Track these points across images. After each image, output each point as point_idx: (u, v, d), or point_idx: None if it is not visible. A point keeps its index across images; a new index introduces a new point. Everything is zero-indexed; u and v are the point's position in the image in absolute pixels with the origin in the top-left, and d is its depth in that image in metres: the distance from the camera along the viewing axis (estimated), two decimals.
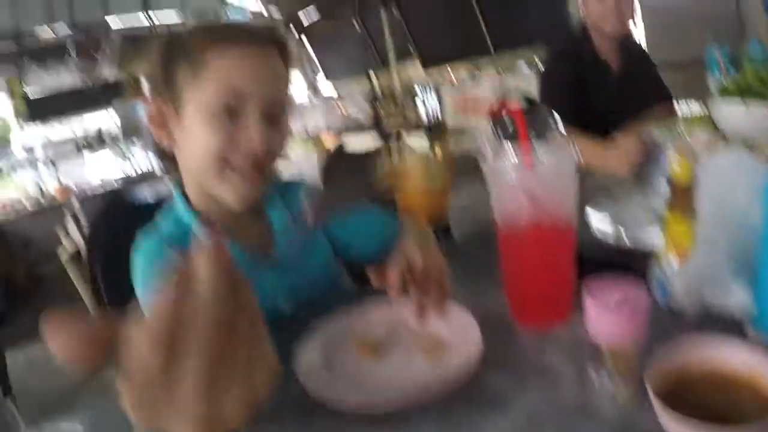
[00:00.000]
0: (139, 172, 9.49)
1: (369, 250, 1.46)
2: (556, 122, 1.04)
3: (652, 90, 2.97)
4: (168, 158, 1.34)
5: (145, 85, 1.32)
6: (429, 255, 1.19)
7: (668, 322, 0.99)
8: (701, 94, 2.47)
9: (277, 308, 1.39)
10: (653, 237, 1.22)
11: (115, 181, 9.56)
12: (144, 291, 1.23)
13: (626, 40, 2.88)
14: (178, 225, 1.31)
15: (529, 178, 0.98)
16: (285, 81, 1.30)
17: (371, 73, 11.39)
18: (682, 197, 0.92)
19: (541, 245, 1.03)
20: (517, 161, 1.00)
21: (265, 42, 1.25)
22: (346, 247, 1.54)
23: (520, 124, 1.00)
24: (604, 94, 2.78)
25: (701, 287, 0.97)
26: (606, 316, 0.79)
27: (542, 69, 3.05)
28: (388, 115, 11.12)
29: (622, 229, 1.37)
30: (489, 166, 1.01)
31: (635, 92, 2.85)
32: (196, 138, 1.21)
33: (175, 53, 1.22)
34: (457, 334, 1.09)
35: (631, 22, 2.75)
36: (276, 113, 1.25)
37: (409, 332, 1.15)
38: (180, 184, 1.35)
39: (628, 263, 1.08)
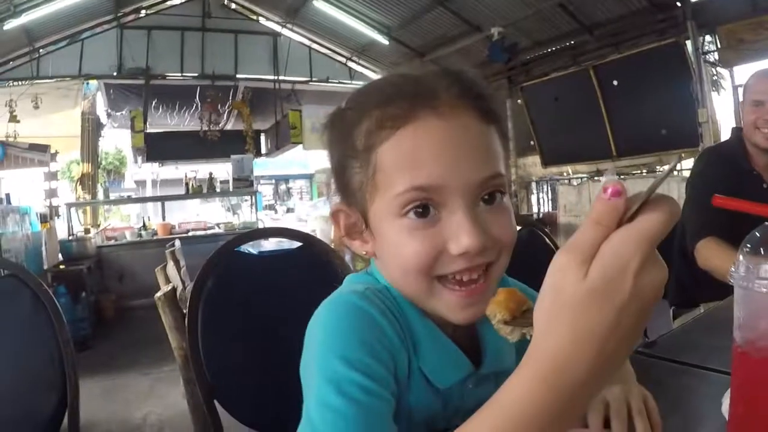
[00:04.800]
0: (242, 224, 9.54)
1: None
2: None
3: None
4: None
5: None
6: (631, 389, 0.97)
7: None
8: None
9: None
10: None
11: (218, 226, 9.69)
12: (332, 348, 0.84)
13: None
14: (381, 292, 0.95)
15: None
16: (493, 148, 0.90)
17: None
18: None
19: None
20: None
21: (454, 103, 0.87)
22: None
23: None
24: None
25: None
26: None
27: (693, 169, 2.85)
28: None
29: None
30: (743, 278, 0.79)
31: None
32: (389, 251, 0.91)
33: (342, 150, 0.94)
34: None
35: None
36: (492, 192, 0.88)
37: None
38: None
39: None
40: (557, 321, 0.54)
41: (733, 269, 0.80)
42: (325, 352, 0.83)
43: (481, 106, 0.89)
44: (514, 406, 0.56)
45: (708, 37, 7.59)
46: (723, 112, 7.79)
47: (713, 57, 7.62)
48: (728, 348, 0.83)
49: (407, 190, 0.84)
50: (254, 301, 1.57)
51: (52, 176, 8.93)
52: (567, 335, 0.54)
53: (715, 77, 8.10)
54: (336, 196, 0.98)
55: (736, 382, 0.85)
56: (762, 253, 0.79)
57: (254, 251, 1.69)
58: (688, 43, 7.47)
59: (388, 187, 0.86)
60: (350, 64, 12.65)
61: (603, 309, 0.52)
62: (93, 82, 10.29)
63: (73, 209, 8.84)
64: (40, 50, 9.83)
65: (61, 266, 6.97)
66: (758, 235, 0.82)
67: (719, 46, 7.42)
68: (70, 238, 8.04)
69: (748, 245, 0.81)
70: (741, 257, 0.81)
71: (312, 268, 1.07)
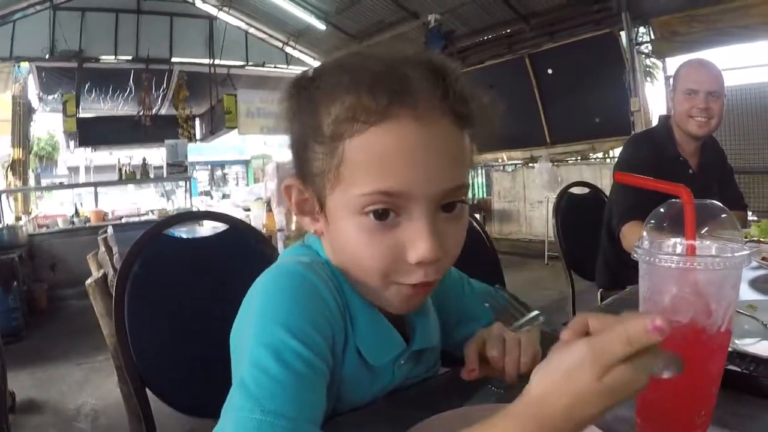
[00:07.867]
0: (177, 209, 9.41)
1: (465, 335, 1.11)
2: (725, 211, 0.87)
3: (727, 195, 2.85)
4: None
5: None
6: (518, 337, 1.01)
7: None
8: None
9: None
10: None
11: (151, 212, 9.56)
12: (273, 315, 0.82)
13: (708, 141, 2.82)
14: (323, 266, 0.94)
15: (696, 270, 0.78)
16: (463, 156, 0.87)
17: None
18: None
19: (700, 349, 0.81)
20: (680, 250, 0.81)
21: (433, 104, 0.82)
22: (447, 334, 1.18)
23: (688, 209, 0.80)
24: None
25: None
26: None
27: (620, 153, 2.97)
28: None
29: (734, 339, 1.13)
30: (646, 252, 0.81)
31: (710, 195, 2.71)
32: (344, 244, 0.89)
33: (306, 128, 0.88)
34: None
35: (714, 123, 2.66)
36: (452, 201, 0.87)
37: None
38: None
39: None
40: (557, 396, 0.62)
41: (637, 244, 0.82)
42: (265, 319, 0.82)
43: (459, 111, 0.84)
44: None
45: (642, 29, 7.76)
46: (655, 102, 8.03)
47: (647, 48, 7.80)
48: None
49: (372, 193, 0.81)
50: (181, 285, 1.55)
51: None
52: (561, 409, 0.62)
53: (648, 68, 8.28)
54: (288, 169, 0.95)
55: None
56: (664, 228, 0.82)
57: (185, 236, 1.67)
58: (623, 34, 7.62)
59: (351, 184, 0.83)
60: (287, 48, 12.53)
61: (597, 406, 0.62)
62: (24, 65, 9.93)
63: (3, 196, 8.58)
64: None
65: None
66: (662, 210, 0.84)
67: (653, 37, 7.60)
68: (1, 226, 7.81)
69: (652, 221, 0.84)
70: (645, 232, 0.83)
71: (238, 252, 1.05)
